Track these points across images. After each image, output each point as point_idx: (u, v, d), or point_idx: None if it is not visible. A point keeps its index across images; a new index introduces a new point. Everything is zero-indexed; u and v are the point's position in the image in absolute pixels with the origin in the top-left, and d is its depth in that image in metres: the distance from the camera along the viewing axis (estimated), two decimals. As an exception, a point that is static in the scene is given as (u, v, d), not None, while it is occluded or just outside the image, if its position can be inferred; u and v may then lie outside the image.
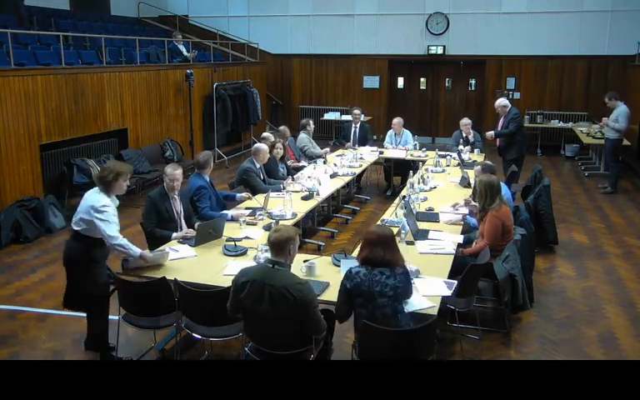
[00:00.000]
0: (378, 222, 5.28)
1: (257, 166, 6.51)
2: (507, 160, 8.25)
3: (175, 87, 10.22)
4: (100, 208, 3.85)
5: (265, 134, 7.65)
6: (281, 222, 5.01)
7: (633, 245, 6.74)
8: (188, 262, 4.20)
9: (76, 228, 3.95)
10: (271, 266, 3.23)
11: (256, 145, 6.73)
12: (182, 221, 4.94)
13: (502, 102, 8.43)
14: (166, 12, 14.60)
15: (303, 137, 8.68)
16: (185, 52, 11.36)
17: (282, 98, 14.78)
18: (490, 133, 8.42)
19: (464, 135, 8.84)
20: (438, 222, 5.24)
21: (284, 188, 6.24)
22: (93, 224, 3.86)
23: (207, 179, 5.51)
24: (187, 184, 5.53)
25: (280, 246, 3.23)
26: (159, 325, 3.93)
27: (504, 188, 5.54)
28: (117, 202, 4.07)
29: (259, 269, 3.31)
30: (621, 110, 8.89)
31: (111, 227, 3.87)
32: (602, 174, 10.26)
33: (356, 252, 4.39)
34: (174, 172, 4.81)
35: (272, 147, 7.04)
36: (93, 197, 3.92)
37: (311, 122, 8.81)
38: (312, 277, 3.85)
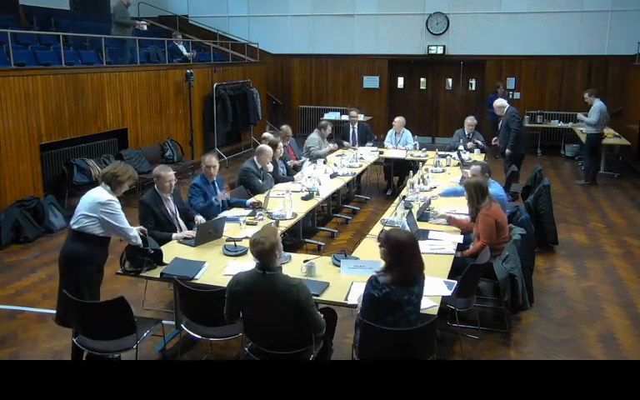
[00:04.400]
0: (380, 223, 5.28)
1: (259, 166, 6.49)
2: (507, 159, 8.29)
3: (175, 87, 10.22)
4: (106, 202, 3.83)
5: (265, 134, 7.65)
6: (281, 223, 5.03)
7: (633, 245, 6.74)
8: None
9: (76, 227, 3.85)
10: (261, 272, 3.20)
11: (260, 146, 6.63)
12: (179, 220, 4.93)
13: (499, 102, 8.52)
14: (166, 12, 14.61)
15: (314, 137, 8.65)
16: (185, 52, 11.36)
17: (282, 98, 14.78)
18: (507, 151, 8.25)
19: (467, 133, 8.86)
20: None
21: (271, 188, 6.24)
22: (99, 220, 3.82)
23: (210, 180, 5.52)
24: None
25: (266, 255, 3.19)
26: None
27: (498, 188, 5.57)
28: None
29: (251, 276, 3.24)
30: (594, 105, 9.33)
31: (123, 220, 3.89)
32: (601, 174, 10.26)
33: (356, 252, 4.41)
34: (168, 173, 4.81)
35: (273, 146, 7.03)
36: (98, 194, 3.88)
37: (329, 126, 8.80)
38: (312, 277, 3.85)
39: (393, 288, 3.18)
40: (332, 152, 8.70)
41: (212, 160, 5.54)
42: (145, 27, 10.29)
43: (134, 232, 3.96)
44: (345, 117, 13.06)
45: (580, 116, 9.75)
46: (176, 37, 11.56)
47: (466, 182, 4.97)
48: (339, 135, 10.01)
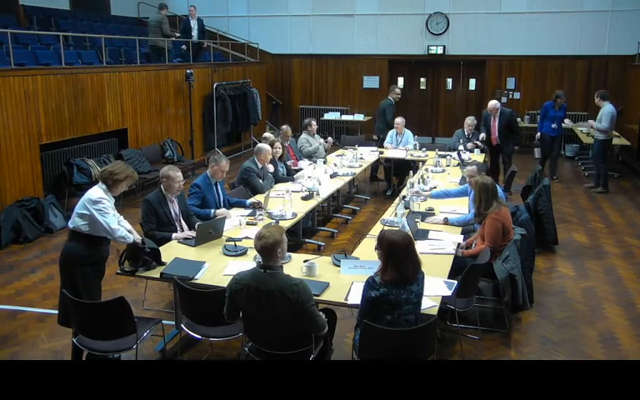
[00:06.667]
0: (380, 223, 5.28)
1: (259, 166, 6.48)
2: (508, 154, 8.53)
3: (175, 87, 10.22)
4: (97, 200, 3.83)
5: (266, 134, 7.64)
6: (281, 223, 5.03)
7: (633, 245, 6.74)
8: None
9: (72, 227, 3.88)
10: (262, 271, 3.20)
11: (259, 145, 6.62)
12: (182, 221, 4.91)
13: (494, 104, 8.74)
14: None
15: (303, 137, 8.69)
16: (195, 30, 11.49)
17: (282, 98, 14.78)
18: (515, 147, 8.41)
19: (466, 133, 8.88)
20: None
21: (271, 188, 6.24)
22: (91, 218, 3.82)
23: (213, 181, 5.46)
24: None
25: (268, 251, 3.20)
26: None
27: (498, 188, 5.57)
28: (113, 199, 4.02)
29: (252, 275, 3.24)
30: (605, 110, 8.92)
31: (110, 218, 3.86)
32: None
33: (356, 252, 4.41)
34: (177, 174, 4.76)
35: (270, 146, 7.02)
36: (90, 191, 3.91)
37: (313, 122, 8.81)
38: (312, 277, 3.85)
39: (390, 288, 3.19)
40: (327, 149, 8.71)
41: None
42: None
43: (121, 231, 3.93)
44: (345, 118, 13.41)
45: (592, 122, 9.12)
46: (189, 8, 11.65)
47: (475, 180, 4.95)
48: (381, 120, 9.78)
